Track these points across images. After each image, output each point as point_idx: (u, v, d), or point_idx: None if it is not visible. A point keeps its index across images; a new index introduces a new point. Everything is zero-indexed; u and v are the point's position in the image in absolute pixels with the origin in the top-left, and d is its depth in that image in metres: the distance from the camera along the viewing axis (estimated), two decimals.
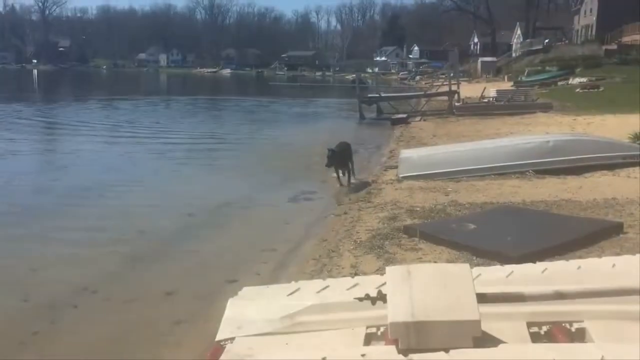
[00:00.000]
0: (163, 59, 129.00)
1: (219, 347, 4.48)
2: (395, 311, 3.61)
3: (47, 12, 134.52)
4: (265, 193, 10.80)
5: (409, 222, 7.37)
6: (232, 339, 4.54)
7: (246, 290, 5.45)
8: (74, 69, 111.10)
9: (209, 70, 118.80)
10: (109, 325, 5.41)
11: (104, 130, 21.21)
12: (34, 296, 5.94)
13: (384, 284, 4.59)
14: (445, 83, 29.07)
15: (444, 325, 3.50)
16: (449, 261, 5.69)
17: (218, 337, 4.64)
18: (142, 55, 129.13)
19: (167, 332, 5.21)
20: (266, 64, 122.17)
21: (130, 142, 18.14)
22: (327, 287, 4.99)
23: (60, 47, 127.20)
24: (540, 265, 3.92)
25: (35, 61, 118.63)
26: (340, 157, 10.95)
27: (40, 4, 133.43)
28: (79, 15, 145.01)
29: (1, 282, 6.31)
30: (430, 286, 3.86)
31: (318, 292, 4.98)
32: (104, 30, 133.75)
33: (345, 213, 8.67)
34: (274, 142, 19.34)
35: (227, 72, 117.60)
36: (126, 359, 4.75)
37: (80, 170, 13.38)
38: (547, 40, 65.64)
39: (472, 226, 6.77)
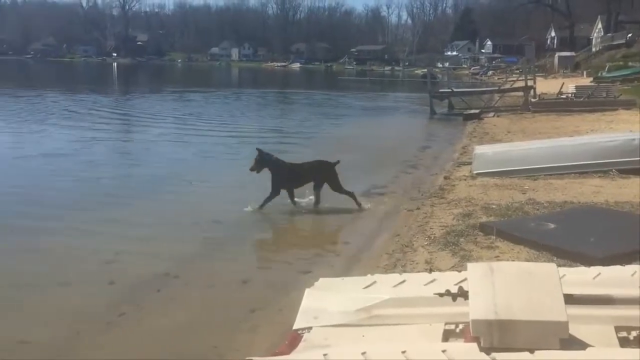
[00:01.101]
0: (235, 53, 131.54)
1: (297, 336, 4.56)
2: (478, 308, 3.56)
3: (127, 7, 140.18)
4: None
5: (484, 219, 7.22)
6: (309, 328, 4.61)
7: (322, 282, 5.52)
8: (151, 62, 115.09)
9: (279, 64, 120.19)
10: (189, 309, 5.61)
11: (176, 122, 21.75)
12: (119, 279, 6.22)
13: (463, 280, 4.53)
14: (520, 78, 28.18)
15: (529, 325, 3.41)
16: (527, 261, 5.55)
17: (295, 326, 4.72)
18: (215, 49, 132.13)
19: (243, 318, 5.34)
20: (335, 58, 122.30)
21: (201, 134, 18.47)
22: (404, 281, 4.98)
23: (139, 42, 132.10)
24: (629, 269, 3.76)
25: (115, 55, 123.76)
26: (296, 174, 9.17)
27: (121, 0, 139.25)
28: (156, 10, 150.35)
29: (88, 265, 6.62)
30: (515, 284, 3.78)
31: (394, 286, 4.97)
32: (179, 25, 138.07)
33: (418, 208, 8.59)
34: (343, 136, 19.34)
35: (296, 66, 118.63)
36: (204, 344, 4.90)
37: (154, 161, 13.75)
38: (630, 35, 62.29)
39: (552, 225, 6.56)
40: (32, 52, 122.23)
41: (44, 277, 6.47)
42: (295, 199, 8.93)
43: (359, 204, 8.89)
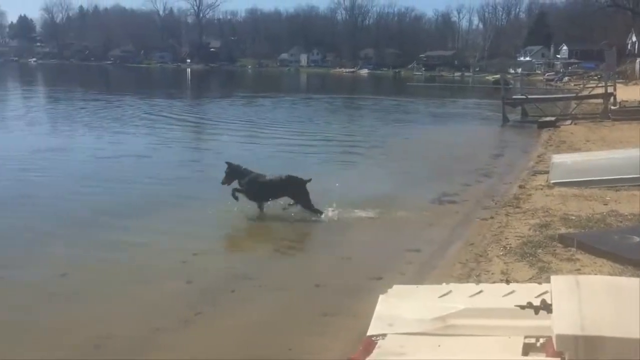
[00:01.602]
0: (304, 58, 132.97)
1: (371, 342, 4.55)
2: (563, 323, 3.44)
3: (201, 15, 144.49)
4: (406, 193, 10.74)
5: (563, 230, 6.98)
6: (384, 335, 4.59)
7: (397, 289, 5.48)
8: (223, 68, 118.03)
9: (347, 70, 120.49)
10: (263, 311, 5.71)
11: (245, 127, 22.15)
12: (197, 279, 6.43)
13: (544, 293, 4.39)
14: (599, 85, 27.02)
15: (618, 342, 3.27)
16: (611, 275, 5.33)
17: (370, 332, 4.72)
18: (284, 55, 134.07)
19: (316, 322, 5.39)
20: (404, 64, 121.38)
21: (270, 138, 18.79)
22: (481, 291, 4.87)
23: (212, 48, 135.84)
24: None
25: (189, 61, 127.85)
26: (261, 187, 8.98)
27: (195, 8, 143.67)
28: (229, 17, 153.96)
29: (168, 264, 6.86)
30: (602, 299, 3.63)
31: (471, 296, 4.88)
32: (251, 32, 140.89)
33: (492, 217, 8.40)
34: (412, 142, 19.19)
35: (364, 72, 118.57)
36: (278, 346, 4.97)
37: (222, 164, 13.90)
38: None
39: (637, 239, 6.26)
40: (112, 59, 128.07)
41: (125, 274, 6.76)
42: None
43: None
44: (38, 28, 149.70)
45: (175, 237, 7.72)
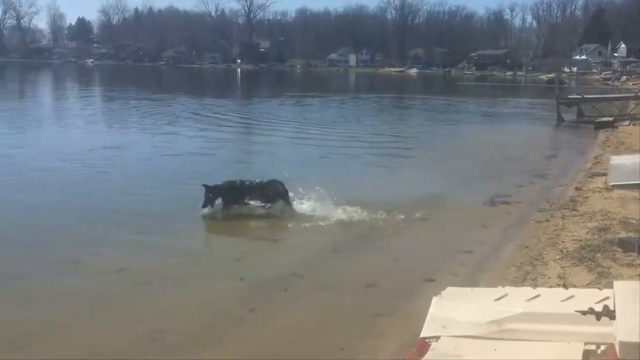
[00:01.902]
0: (352, 58, 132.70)
1: (424, 344, 4.51)
2: (627, 330, 3.34)
3: (252, 15, 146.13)
4: (458, 194, 10.62)
5: (623, 235, 6.76)
6: (437, 337, 4.55)
7: (450, 291, 5.41)
8: (272, 68, 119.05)
9: (396, 69, 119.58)
10: (315, 310, 5.76)
11: (295, 126, 22.27)
12: (249, 276, 6.53)
13: (605, 298, 4.26)
14: None
15: None
16: None
17: (423, 334, 4.68)
18: (333, 55, 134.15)
19: (368, 322, 5.39)
20: (454, 63, 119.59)
21: (318, 138, 18.76)
22: (538, 296, 4.77)
23: (261, 48, 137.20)
24: None
25: (239, 61, 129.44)
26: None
27: (246, 8, 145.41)
28: (279, 18, 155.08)
29: (221, 261, 6.99)
30: None
31: (528, 300, 4.77)
32: (300, 32, 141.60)
33: (547, 220, 8.21)
34: (462, 142, 18.93)
35: (413, 71, 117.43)
36: (331, 345, 4.99)
37: (274, 163, 13.97)
38: None
39: None
40: (165, 59, 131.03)
41: (179, 270, 6.93)
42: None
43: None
44: (95, 30, 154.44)
45: (227, 235, 7.85)
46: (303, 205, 9.09)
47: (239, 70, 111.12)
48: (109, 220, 8.60)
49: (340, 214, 8.89)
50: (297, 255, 7.24)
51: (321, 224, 8.46)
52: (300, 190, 9.62)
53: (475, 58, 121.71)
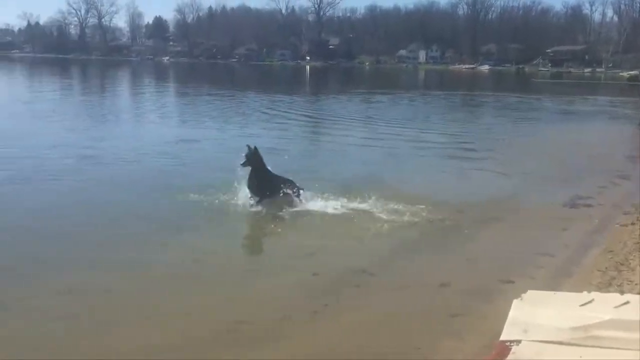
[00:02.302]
0: (422, 55, 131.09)
1: (504, 347, 4.38)
2: None
3: (321, 12, 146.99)
4: (536, 194, 10.29)
5: None
6: (518, 341, 4.40)
7: (532, 294, 5.23)
8: (340, 65, 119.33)
9: (467, 66, 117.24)
10: (387, 308, 5.70)
11: (362, 123, 22.18)
12: (322, 272, 6.55)
13: None
14: None
15: None
16: None
17: (503, 337, 4.54)
18: (402, 52, 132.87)
19: (444, 322, 5.29)
20: (528, 60, 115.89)
21: (386, 136, 18.52)
22: (627, 302, 4.53)
23: (330, 45, 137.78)
24: None
25: (308, 58, 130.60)
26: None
27: (316, 6, 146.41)
28: (348, 15, 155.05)
29: (294, 256, 7.04)
30: None
31: (617, 307, 4.55)
32: (369, 29, 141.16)
33: (633, 224, 7.81)
34: (540, 141, 18.28)
35: (485, 68, 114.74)
36: (406, 344, 4.93)
37: (341, 162, 14.04)
38: None
39: None
40: (236, 57, 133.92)
41: (253, 263, 7.06)
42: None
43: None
44: (171, 28, 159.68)
45: (300, 230, 7.90)
46: (370, 204, 9.02)
47: (307, 67, 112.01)
48: (184, 210, 8.82)
49: (409, 213, 8.78)
50: (367, 253, 7.20)
51: (391, 222, 8.38)
52: (368, 188, 9.62)
53: (551, 54, 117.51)
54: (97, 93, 38.55)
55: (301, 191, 9.16)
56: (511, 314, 4.83)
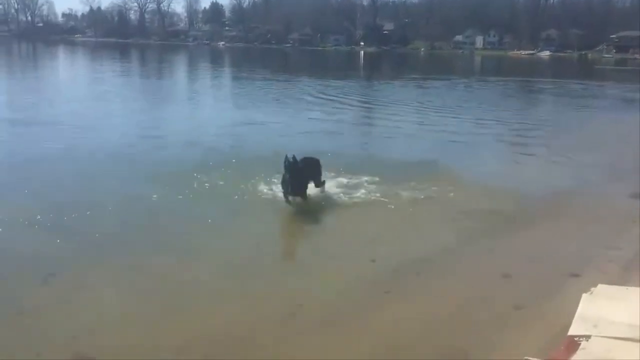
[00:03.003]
0: (479, 40, 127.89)
1: (573, 342, 4.27)
2: None
3: None
4: (602, 186, 10.01)
5: None
6: (588, 336, 4.28)
7: (602, 289, 5.08)
8: (394, 51, 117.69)
9: (526, 52, 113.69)
10: (449, 296, 5.64)
11: (415, 109, 21.74)
12: (381, 258, 6.54)
13: None
14: None
15: None
16: None
17: (571, 332, 4.43)
18: (459, 38, 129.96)
19: (508, 315, 5.20)
20: (591, 46, 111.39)
21: (441, 123, 18.21)
22: None
23: (385, 31, 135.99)
24: None
25: (362, 43, 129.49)
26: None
27: None
28: None
29: (352, 244, 7.03)
30: None
31: None
32: (424, 14, 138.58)
33: None
34: (604, 131, 17.60)
35: (545, 54, 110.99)
36: (469, 335, 4.86)
37: (396, 148, 13.88)
38: None
39: None
40: (290, 42, 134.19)
41: (313, 249, 7.09)
42: None
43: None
44: (227, 13, 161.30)
45: (358, 217, 7.88)
46: (427, 191, 8.90)
47: (361, 52, 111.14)
48: (245, 194, 8.93)
49: (468, 202, 8.65)
50: (427, 241, 7.14)
51: (448, 211, 8.28)
52: (424, 175, 9.50)
53: (616, 40, 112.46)
54: (155, 76, 39.50)
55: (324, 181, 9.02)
56: (580, 308, 4.70)
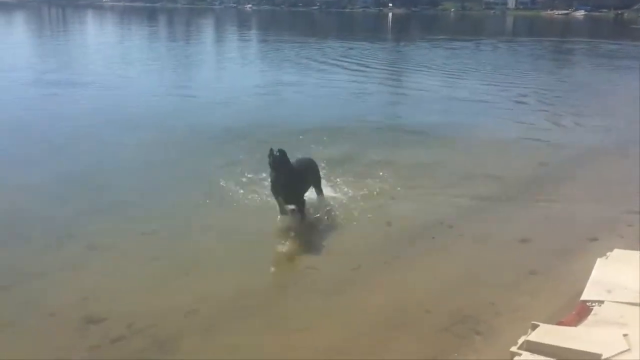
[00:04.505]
0: (511, 0, 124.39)
1: (585, 307, 4.21)
2: None
3: None
4: (626, 147, 9.68)
5: None
6: (601, 302, 4.22)
7: (618, 253, 4.98)
8: (423, 12, 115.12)
9: (560, 12, 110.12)
10: (463, 261, 5.61)
11: (443, 71, 21.28)
12: (396, 222, 6.52)
13: None
14: None
15: None
16: None
17: (584, 297, 4.37)
18: None
19: (522, 279, 5.15)
20: (627, 5, 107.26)
21: (469, 85, 17.85)
22: None
23: None
24: None
25: (390, 5, 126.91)
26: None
27: None
28: None
29: (368, 205, 6.99)
30: None
31: None
32: None
33: None
34: (635, 91, 16.98)
35: (580, 13, 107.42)
36: (480, 299, 4.84)
37: (421, 109, 13.79)
38: None
39: None
40: (317, 4, 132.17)
41: (334, 213, 7.05)
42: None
43: None
44: None
45: (375, 179, 7.82)
46: (448, 154, 8.80)
47: (390, 14, 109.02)
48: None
49: (489, 165, 8.54)
50: (445, 205, 7.05)
51: (469, 174, 8.18)
52: (446, 138, 9.31)
53: None
54: (183, 40, 39.46)
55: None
56: (594, 273, 4.62)
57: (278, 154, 6.13)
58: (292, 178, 6.26)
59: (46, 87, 15.70)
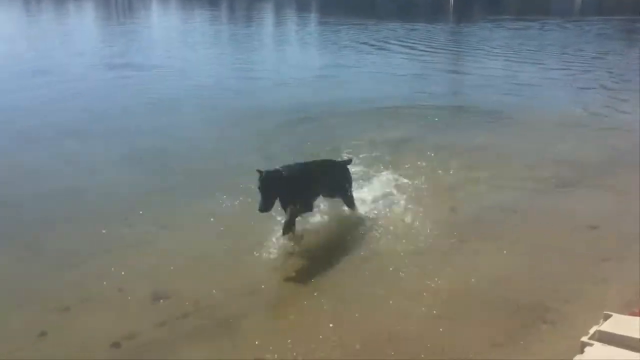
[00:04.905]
0: None
1: None
2: None
3: None
4: None
5: None
6: None
7: None
8: None
9: None
10: (528, 247, 5.51)
11: (508, 53, 20.49)
12: (461, 207, 6.50)
13: None
14: None
15: None
16: None
17: None
18: None
19: (593, 267, 5.01)
20: None
21: (534, 67, 17.14)
22: None
23: None
24: None
25: None
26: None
27: None
28: None
29: (434, 188, 6.94)
30: None
31: None
32: None
33: None
34: None
35: None
36: (547, 287, 4.72)
37: (484, 92, 13.41)
38: None
39: None
40: None
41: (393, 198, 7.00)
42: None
43: None
44: None
45: (440, 163, 7.74)
46: (512, 138, 8.70)
47: None
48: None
49: (558, 150, 8.28)
50: (510, 189, 6.95)
51: (537, 158, 7.97)
52: (512, 120, 8.97)
53: None
54: (244, 22, 39.83)
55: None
56: None
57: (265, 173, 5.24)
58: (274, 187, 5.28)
59: (119, 69, 16.32)
